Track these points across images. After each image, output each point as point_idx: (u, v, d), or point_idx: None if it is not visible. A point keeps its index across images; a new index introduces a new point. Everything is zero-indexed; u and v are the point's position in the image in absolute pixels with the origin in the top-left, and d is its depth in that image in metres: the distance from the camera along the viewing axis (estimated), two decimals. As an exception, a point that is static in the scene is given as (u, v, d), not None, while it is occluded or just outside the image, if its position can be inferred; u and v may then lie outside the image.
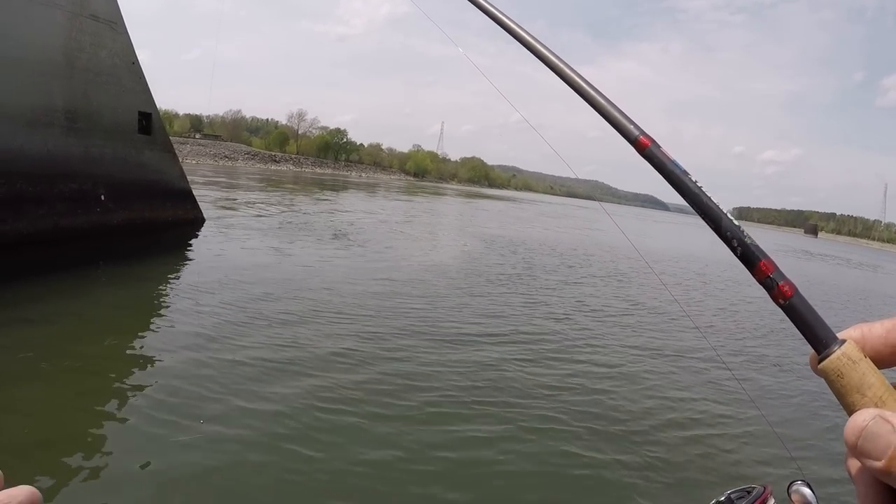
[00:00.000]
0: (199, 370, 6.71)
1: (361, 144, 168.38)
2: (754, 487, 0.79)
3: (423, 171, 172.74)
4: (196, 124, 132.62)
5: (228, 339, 7.86)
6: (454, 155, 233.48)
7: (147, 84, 16.43)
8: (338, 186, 63.72)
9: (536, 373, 8.06)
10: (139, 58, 16.14)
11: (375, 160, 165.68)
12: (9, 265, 10.31)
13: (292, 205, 31.36)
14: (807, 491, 0.57)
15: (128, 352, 7.33)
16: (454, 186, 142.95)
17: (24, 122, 12.16)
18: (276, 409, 5.92)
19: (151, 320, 8.72)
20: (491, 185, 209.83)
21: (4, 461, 4.50)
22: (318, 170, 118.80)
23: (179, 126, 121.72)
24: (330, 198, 42.27)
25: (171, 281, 11.31)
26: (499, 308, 11.65)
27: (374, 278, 13.10)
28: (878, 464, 0.46)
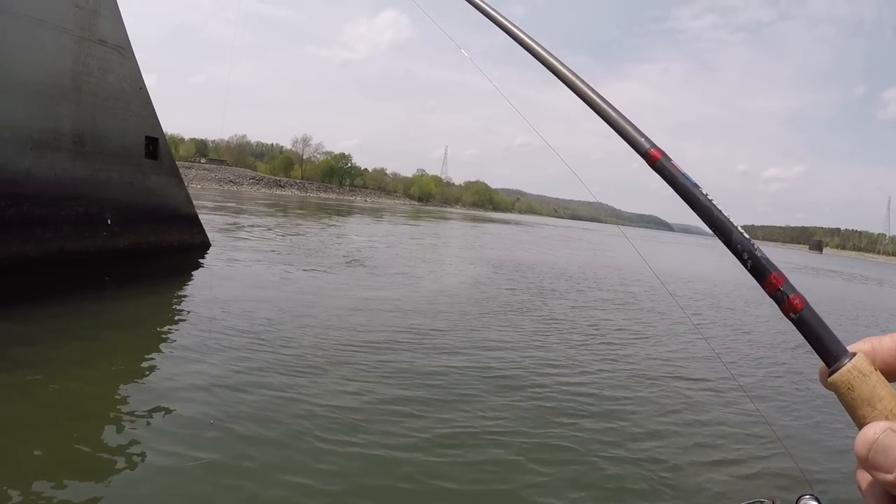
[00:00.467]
0: (200, 395, 6.58)
1: (366, 169, 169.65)
2: (763, 502, 0.82)
3: (427, 195, 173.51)
4: (201, 149, 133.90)
5: (232, 365, 7.72)
6: (458, 179, 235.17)
7: (154, 109, 16.48)
8: (343, 211, 64.00)
9: (551, 398, 7.88)
10: (146, 82, 16.20)
11: (380, 185, 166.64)
12: (16, 287, 10.23)
13: (298, 230, 31.38)
14: None
15: (131, 375, 7.21)
16: (458, 210, 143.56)
17: (31, 145, 12.13)
18: (277, 438, 5.77)
19: (155, 343, 8.60)
20: (495, 209, 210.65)
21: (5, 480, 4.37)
22: (322, 194, 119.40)
23: (185, 150, 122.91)
24: (336, 223, 42.38)
25: (175, 305, 11.22)
26: (511, 335, 11.46)
27: (384, 305, 12.89)
28: (890, 477, 0.46)
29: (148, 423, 5.80)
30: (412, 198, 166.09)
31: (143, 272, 13.70)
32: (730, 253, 0.64)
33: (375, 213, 71.12)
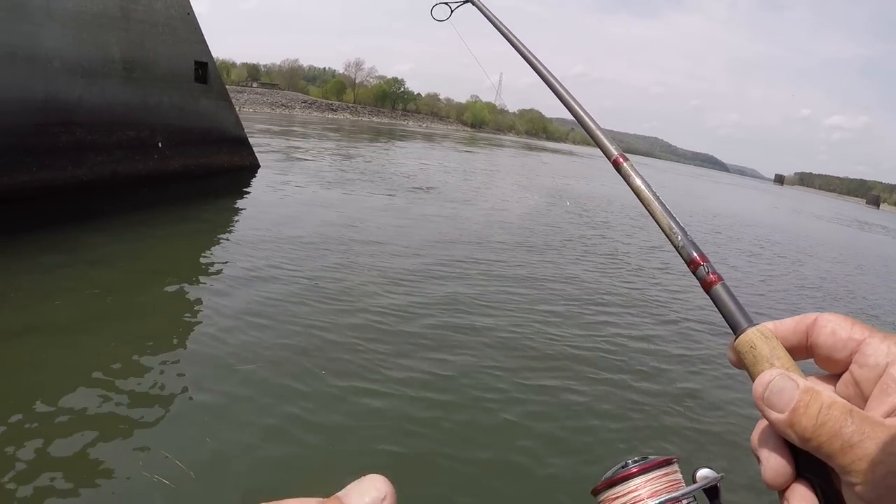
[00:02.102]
0: (251, 319, 7.00)
1: (419, 94, 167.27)
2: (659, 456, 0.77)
3: (480, 122, 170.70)
4: (253, 73, 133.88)
5: (281, 289, 8.10)
6: (512, 107, 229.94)
7: (202, 34, 16.73)
8: (395, 135, 63.70)
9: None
10: (196, 8, 16.39)
11: (433, 110, 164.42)
12: (70, 210, 10.83)
13: (349, 153, 31.61)
14: (710, 472, 0.59)
15: (183, 295, 7.73)
16: (512, 138, 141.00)
17: (82, 73, 12.61)
18: (315, 364, 6.12)
19: (204, 265, 9.14)
20: (549, 139, 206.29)
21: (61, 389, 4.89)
22: (375, 119, 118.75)
23: (237, 75, 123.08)
24: (388, 147, 42.41)
25: (224, 226, 11.74)
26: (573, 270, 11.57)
27: (441, 235, 13.03)
28: (782, 416, 0.50)
29: (195, 341, 6.29)
30: (465, 124, 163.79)
31: (193, 193, 14.26)
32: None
33: (428, 138, 70.55)
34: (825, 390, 0.51)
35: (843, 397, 0.52)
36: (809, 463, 0.51)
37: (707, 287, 0.64)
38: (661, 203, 0.74)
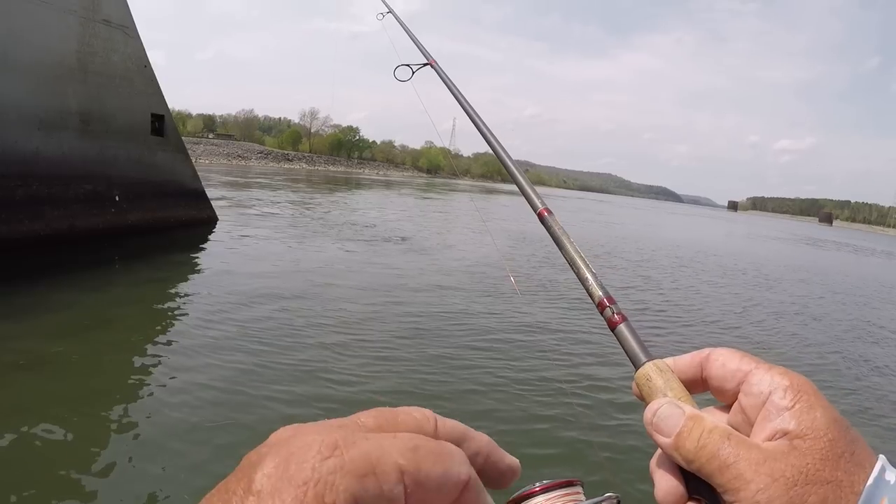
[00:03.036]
0: (208, 371, 6.83)
1: (374, 142, 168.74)
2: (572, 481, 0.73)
3: (436, 167, 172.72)
4: (209, 124, 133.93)
5: (238, 340, 7.93)
6: (466, 151, 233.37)
7: (159, 86, 16.69)
8: (352, 184, 63.89)
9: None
10: (153, 58, 16.39)
11: (388, 157, 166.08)
12: (27, 265, 10.50)
13: (307, 203, 31.51)
14: (610, 493, 0.59)
15: (139, 346, 7.50)
16: (468, 182, 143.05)
17: (39, 125, 12.40)
18: (284, 412, 6.05)
19: (163, 317, 8.91)
20: (503, 180, 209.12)
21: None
22: (331, 167, 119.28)
23: (193, 126, 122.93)
24: (348, 196, 42.35)
25: (183, 279, 11.48)
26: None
27: (404, 282, 13.01)
28: (668, 440, 0.55)
29: (151, 395, 6.12)
30: (421, 170, 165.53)
31: (150, 247, 14.00)
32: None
33: (386, 185, 70.87)
34: (713, 418, 0.56)
35: (733, 425, 0.56)
36: (699, 486, 0.54)
37: (612, 326, 0.69)
38: (576, 251, 0.80)
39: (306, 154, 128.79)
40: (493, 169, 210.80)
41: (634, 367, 0.64)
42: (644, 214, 75.29)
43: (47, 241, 11.91)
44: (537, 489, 0.57)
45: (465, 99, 1.57)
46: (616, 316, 0.69)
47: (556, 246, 0.85)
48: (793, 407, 0.53)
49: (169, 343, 7.65)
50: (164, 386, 6.33)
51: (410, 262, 15.73)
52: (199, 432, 5.33)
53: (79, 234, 12.82)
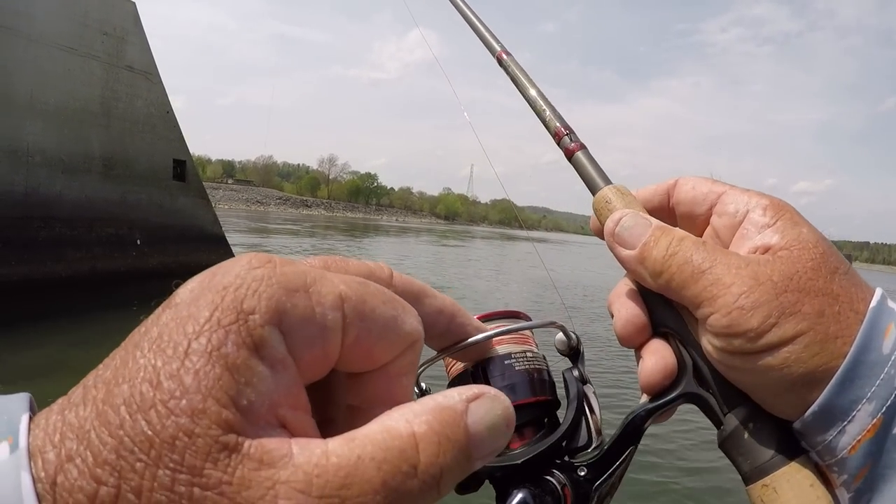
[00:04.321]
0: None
1: (392, 188, 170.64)
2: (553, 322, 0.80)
3: (453, 213, 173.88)
4: (228, 170, 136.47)
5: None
6: (484, 197, 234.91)
7: (181, 132, 16.88)
8: (370, 230, 64.23)
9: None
10: (174, 104, 16.61)
11: (406, 204, 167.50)
12: (50, 307, 10.48)
13: (327, 249, 31.55)
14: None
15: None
16: (485, 229, 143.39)
17: (63, 168, 12.54)
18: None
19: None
20: (520, 227, 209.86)
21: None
22: (349, 214, 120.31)
23: (212, 171, 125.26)
24: (364, 242, 42.50)
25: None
26: None
27: None
28: (633, 252, 0.49)
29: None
30: (438, 216, 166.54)
31: (170, 291, 13.90)
32: None
33: (405, 231, 71.16)
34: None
35: None
36: (665, 315, 0.49)
37: (569, 154, 0.65)
38: (534, 87, 0.76)
39: (325, 200, 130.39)
40: (510, 215, 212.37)
41: (592, 194, 0.60)
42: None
43: (68, 282, 11.89)
44: (491, 314, 0.54)
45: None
46: (573, 144, 0.65)
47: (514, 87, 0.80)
48: (774, 223, 0.47)
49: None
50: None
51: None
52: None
53: (100, 276, 12.79)
